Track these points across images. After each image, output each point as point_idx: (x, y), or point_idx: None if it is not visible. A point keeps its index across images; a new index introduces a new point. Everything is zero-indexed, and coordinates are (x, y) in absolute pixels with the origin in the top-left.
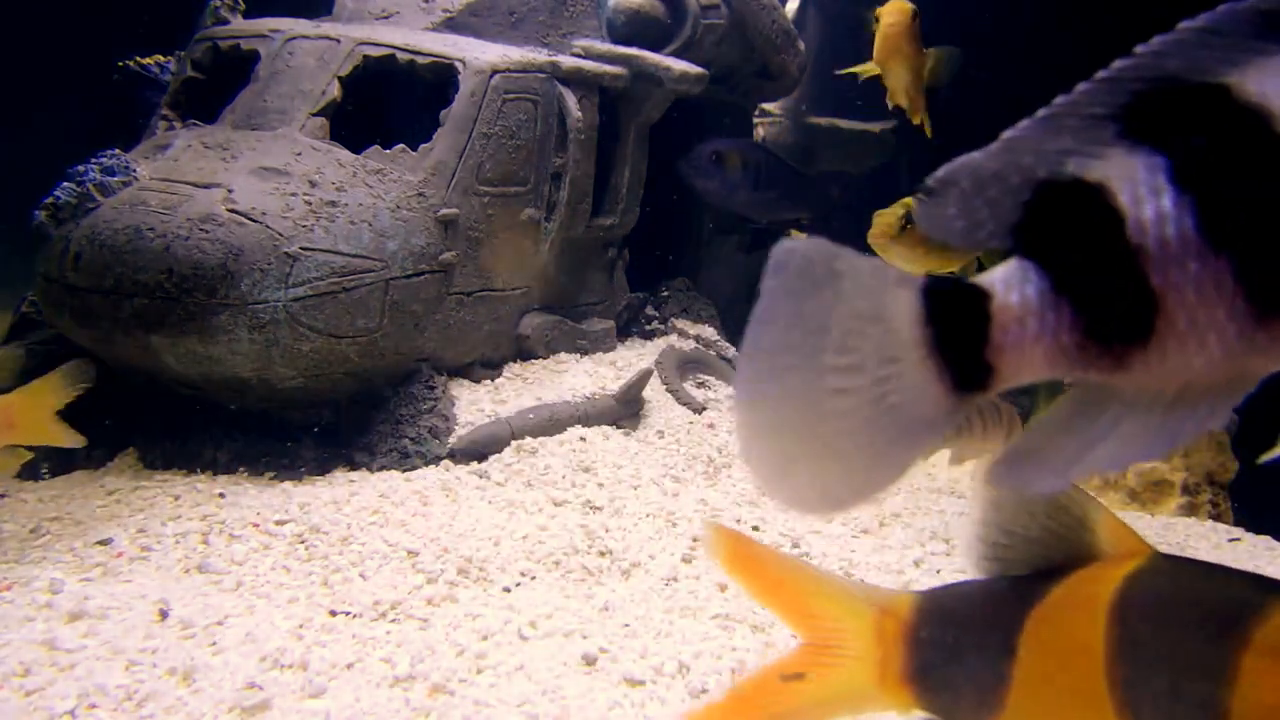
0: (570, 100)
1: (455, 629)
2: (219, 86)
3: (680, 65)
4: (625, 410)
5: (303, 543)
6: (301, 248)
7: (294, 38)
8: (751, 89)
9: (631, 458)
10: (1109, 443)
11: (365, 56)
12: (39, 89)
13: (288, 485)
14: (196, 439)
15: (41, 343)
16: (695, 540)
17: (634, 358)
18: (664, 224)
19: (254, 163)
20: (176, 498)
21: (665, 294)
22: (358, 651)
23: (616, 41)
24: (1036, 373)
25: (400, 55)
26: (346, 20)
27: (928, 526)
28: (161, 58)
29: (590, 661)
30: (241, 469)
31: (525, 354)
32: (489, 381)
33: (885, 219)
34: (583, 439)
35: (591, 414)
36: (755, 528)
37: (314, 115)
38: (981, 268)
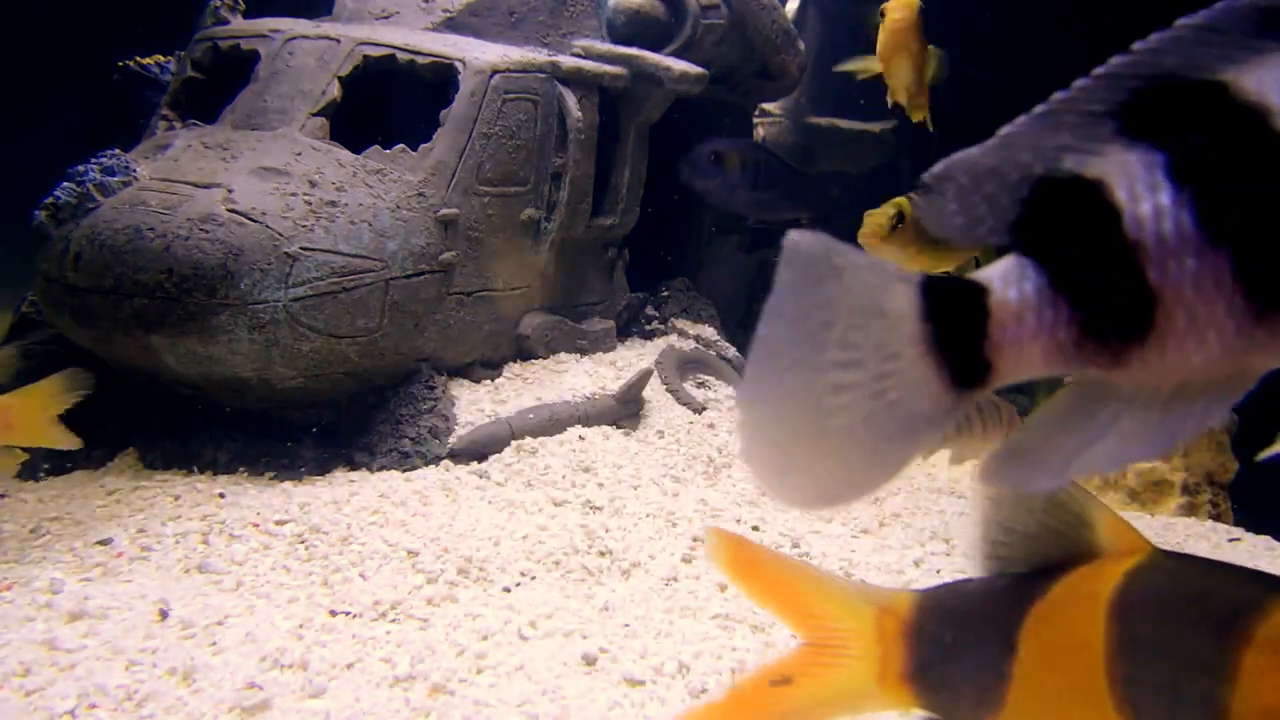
0: (570, 100)
1: (455, 629)
2: (219, 86)
3: (680, 65)
4: (625, 410)
5: (303, 543)
6: (301, 248)
7: (294, 38)
8: (751, 89)
9: (631, 458)
10: (1107, 441)
11: (365, 56)
12: (39, 89)
13: (288, 485)
14: (196, 439)
15: (41, 343)
16: (695, 540)
17: (634, 358)
18: (664, 224)
19: (254, 163)
20: (176, 498)
21: (665, 294)
22: (358, 651)
23: (616, 41)
24: (1035, 369)
25: (400, 55)
26: (346, 20)
27: (928, 526)
28: (161, 58)
29: (590, 661)
30: (241, 469)
31: (525, 354)
32: (489, 381)
33: (875, 219)
34: (583, 439)
35: (591, 414)
36: (755, 528)
37: (314, 115)
38: (979, 267)
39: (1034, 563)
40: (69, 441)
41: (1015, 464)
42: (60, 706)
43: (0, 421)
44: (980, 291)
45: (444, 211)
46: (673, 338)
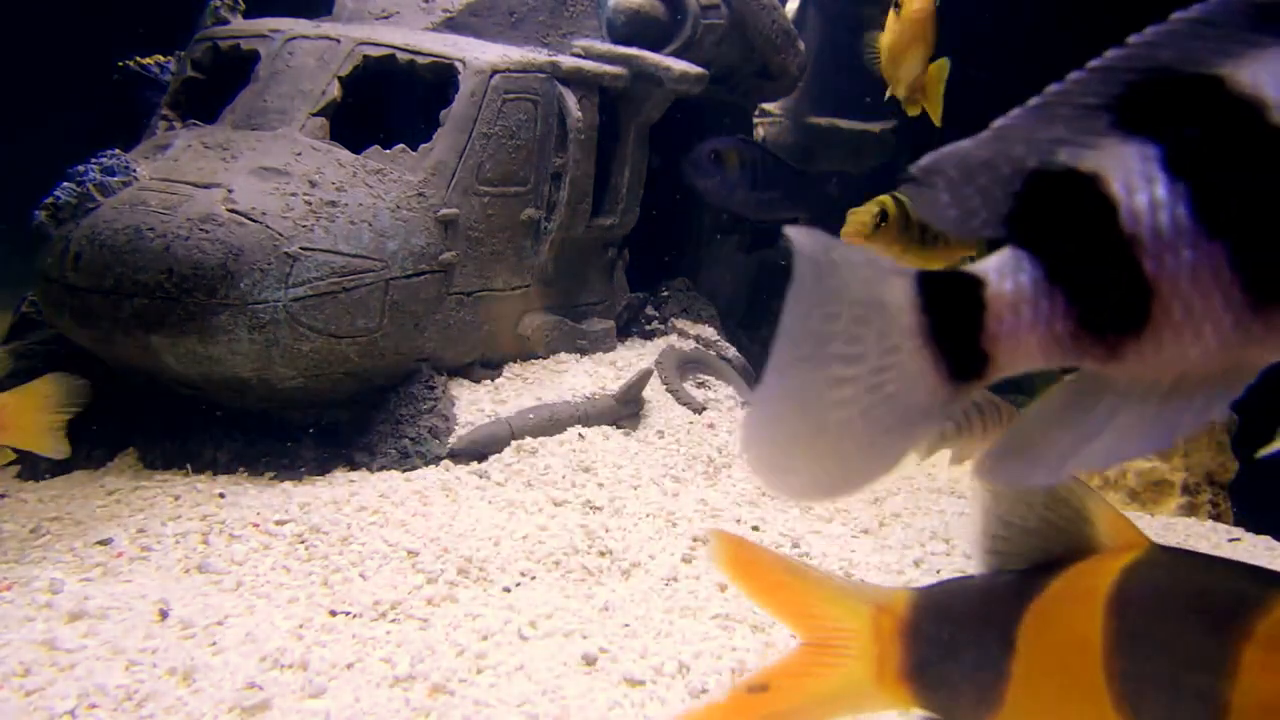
0: (570, 100)
1: (455, 629)
2: (219, 86)
3: (680, 65)
4: (625, 410)
5: (303, 543)
6: (301, 248)
7: (294, 38)
8: (751, 89)
9: (631, 458)
10: (1105, 436)
11: (365, 56)
12: (39, 89)
13: (288, 485)
14: (196, 439)
15: (41, 343)
16: (695, 540)
17: (634, 358)
18: (664, 224)
19: (254, 163)
20: (176, 498)
21: (665, 294)
22: (358, 651)
23: (616, 41)
24: (1031, 362)
25: (400, 55)
26: (346, 20)
27: (928, 526)
28: (161, 58)
29: (590, 661)
30: (241, 469)
31: (525, 354)
32: (489, 381)
33: (859, 217)
34: (583, 439)
35: (591, 414)
36: (755, 528)
37: (314, 115)
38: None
39: (1033, 557)
40: (58, 449)
41: (1012, 460)
42: (60, 706)
43: None
44: (976, 284)
45: (444, 211)
46: (673, 338)
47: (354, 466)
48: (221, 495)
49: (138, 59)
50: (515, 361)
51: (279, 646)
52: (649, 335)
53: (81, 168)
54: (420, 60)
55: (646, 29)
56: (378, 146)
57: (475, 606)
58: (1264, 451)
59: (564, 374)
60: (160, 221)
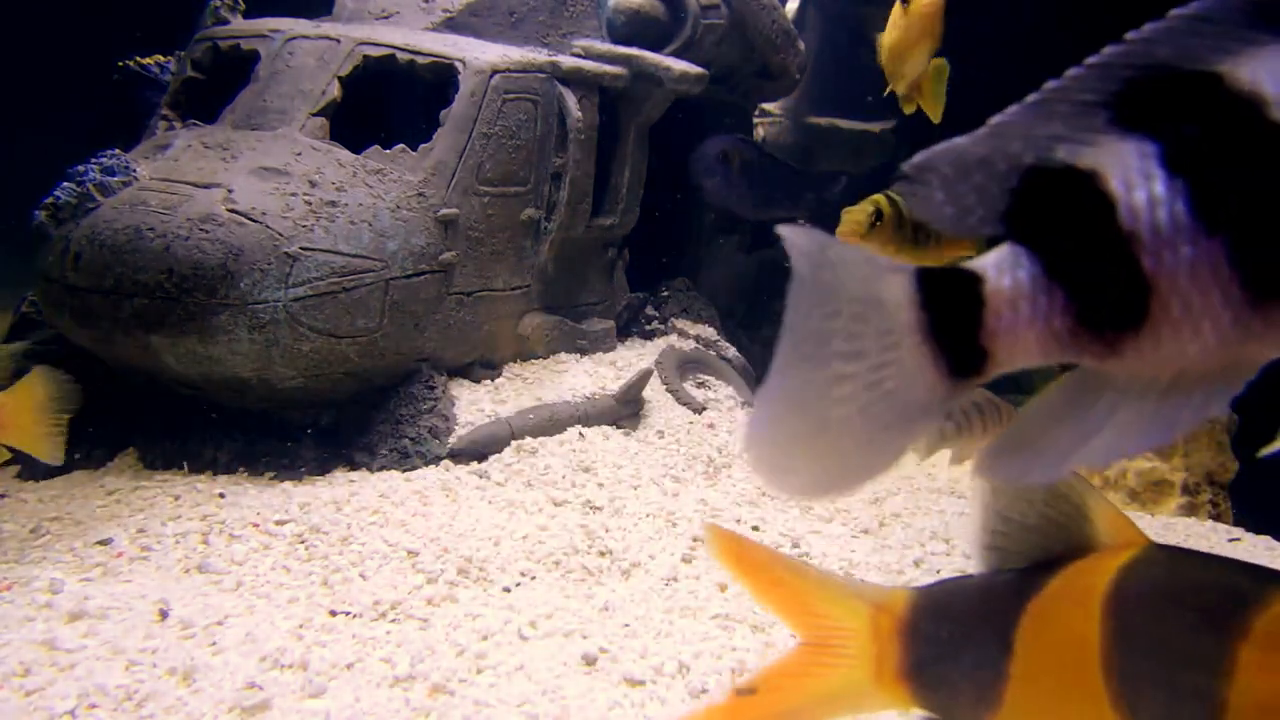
0: (570, 100)
1: (455, 629)
2: (219, 86)
3: (680, 65)
4: (625, 410)
5: (303, 543)
6: (301, 248)
7: (294, 38)
8: (751, 89)
9: (631, 458)
10: (1105, 433)
11: (365, 56)
12: (39, 89)
13: (288, 485)
14: (196, 439)
15: (41, 343)
16: (695, 540)
17: (634, 358)
18: (664, 224)
19: (254, 163)
20: (176, 498)
21: (665, 294)
22: (358, 651)
23: (616, 41)
24: (1030, 358)
25: (400, 55)
26: (346, 20)
27: (928, 526)
28: (161, 58)
29: (590, 661)
30: (241, 469)
31: (525, 354)
32: (489, 381)
33: (854, 216)
34: (583, 439)
35: (591, 414)
36: (755, 528)
37: (314, 115)
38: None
39: (1033, 555)
40: (55, 455)
41: (1011, 456)
42: (60, 706)
43: None
44: (975, 280)
45: (444, 211)
46: (673, 338)
47: (354, 466)
48: (221, 495)
49: (138, 59)
50: (515, 361)
51: (279, 646)
52: (649, 335)
53: (81, 168)
54: (420, 60)
55: (646, 29)
56: (378, 146)
57: (475, 606)
58: (1265, 451)
59: (564, 374)
60: (160, 221)
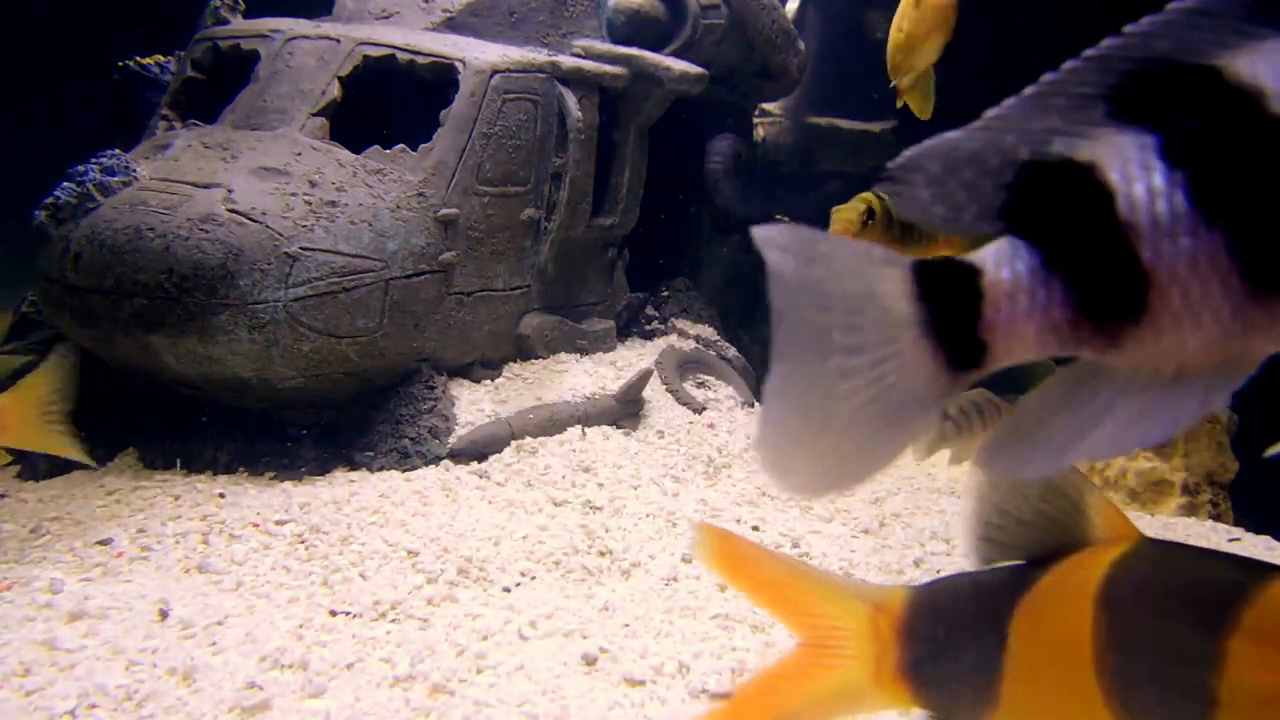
0: (570, 100)
1: (455, 629)
2: (219, 86)
3: (680, 65)
4: (625, 410)
5: (303, 543)
6: (301, 248)
7: (294, 38)
8: (751, 89)
9: (631, 458)
10: (1107, 426)
11: (365, 56)
12: (39, 89)
13: (288, 485)
14: (196, 439)
15: (41, 343)
16: None
17: (634, 358)
18: (664, 224)
19: (254, 163)
20: (176, 498)
21: (665, 294)
22: (358, 651)
23: (616, 41)
24: (1030, 350)
25: (400, 55)
26: (346, 20)
27: (928, 526)
28: (161, 58)
29: (590, 661)
30: (241, 469)
31: (525, 354)
32: (489, 381)
33: (845, 215)
34: (583, 439)
35: (591, 414)
36: (755, 528)
37: (314, 115)
38: None
39: (1028, 548)
40: (67, 448)
41: (1010, 450)
42: (60, 706)
43: None
44: (973, 272)
45: (444, 211)
46: (673, 338)
47: (354, 466)
48: (221, 495)
49: (138, 59)
50: (515, 361)
51: (279, 646)
52: (649, 335)
53: (81, 168)
54: (420, 60)
55: (646, 29)
56: (378, 146)
57: (475, 606)
58: (1271, 451)
59: (564, 374)
60: (160, 221)
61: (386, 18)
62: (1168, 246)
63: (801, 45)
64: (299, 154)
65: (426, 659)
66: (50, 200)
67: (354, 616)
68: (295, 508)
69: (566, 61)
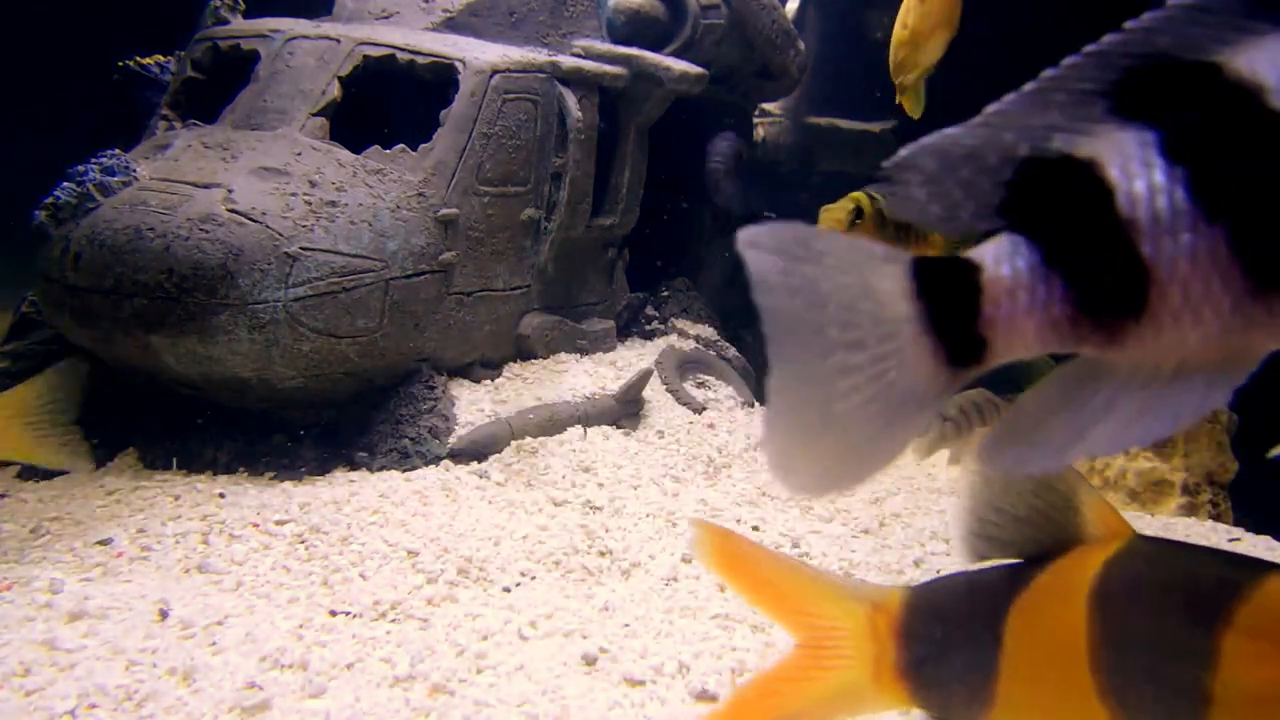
0: (570, 100)
1: (455, 629)
2: (219, 86)
3: (680, 65)
4: (625, 410)
5: (303, 543)
6: (301, 248)
7: (294, 38)
8: (751, 89)
9: (631, 458)
10: (1108, 423)
11: (365, 56)
12: (38, 89)
13: (288, 485)
14: (196, 439)
15: (41, 343)
16: None
17: (634, 358)
18: (664, 224)
19: (254, 163)
20: (176, 498)
21: (665, 294)
22: (358, 651)
23: (616, 41)
24: (1030, 346)
25: (400, 55)
26: (346, 20)
27: (928, 526)
28: (161, 58)
29: (590, 661)
30: (241, 469)
31: (525, 354)
32: (489, 381)
33: (833, 214)
34: (583, 439)
35: (591, 414)
36: (755, 528)
37: (314, 115)
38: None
39: (1022, 545)
40: (58, 459)
41: (1011, 446)
42: (60, 706)
43: None
44: (972, 269)
45: (444, 211)
46: (673, 338)
47: (354, 466)
48: (221, 495)
49: (138, 59)
50: (515, 361)
51: (279, 646)
52: (649, 335)
53: (81, 168)
54: (420, 60)
55: (646, 29)
56: (378, 146)
57: (475, 606)
58: (1275, 452)
59: (564, 374)
60: (160, 221)
61: (386, 18)
62: (1168, 243)
63: (801, 45)
64: (299, 154)
65: (426, 659)
66: (50, 200)
67: (354, 616)
68: (295, 508)
69: (566, 61)
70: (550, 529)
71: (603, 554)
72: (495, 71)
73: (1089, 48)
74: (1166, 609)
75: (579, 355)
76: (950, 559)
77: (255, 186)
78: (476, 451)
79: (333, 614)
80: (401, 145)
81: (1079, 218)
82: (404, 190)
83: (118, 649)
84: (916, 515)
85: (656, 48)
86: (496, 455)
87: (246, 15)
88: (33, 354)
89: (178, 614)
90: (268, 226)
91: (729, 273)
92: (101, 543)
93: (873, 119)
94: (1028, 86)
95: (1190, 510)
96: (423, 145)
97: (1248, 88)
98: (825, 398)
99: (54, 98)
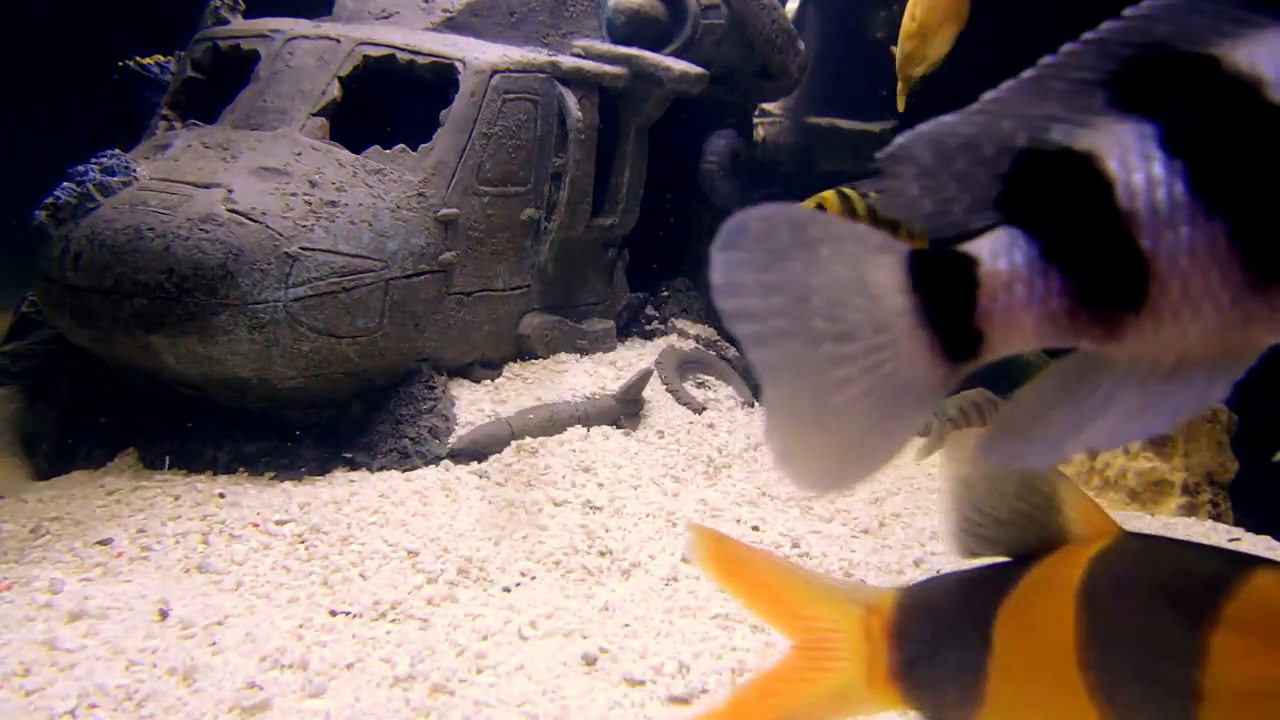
0: (570, 100)
1: (455, 629)
2: (219, 86)
3: (680, 65)
4: (625, 410)
5: (303, 543)
6: (301, 248)
7: (294, 38)
8: (751, 89)
9: (631, 458)
10: (1107, 417)
11: (365, 56)
12: (39, 89)
13: (288, 485)
14: (196, 439)
15: (41, 343)
16: None
17: (634, 358)
18: (664, 224)
19: (254, 163)
20: (176, 498)
21: (665, 294)
22: (358, 651)
23: (616, 41)
24: (1027, 341)
25: (400, 55)
26: (346, 20)
27: (928, 526)
28: (161, 58)
29: (590, 661)
30: (241, 469)
31: (525, 354)
32: (489, 381)
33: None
34: (583, 439)
35: (591, 414)
36: (755, 528)
37: (314, 115)
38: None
39: (1009, 545)
40: None
41: (1008, 440)
42: (60, 706)
43: None
44: (969, 262)
45: (444, 211)
46: (673, 338)
47: (354, 466)
48: (221, 495)
49: (138, 59)
50: (515, 361)
51: (279, 646)
52: (649, 335)
53: (81, 168)
54: (420, 60)
55: (646, 29)
56: (378, 146)
57: (475, 606)
58: None
59: (564, 374)
60: (160, 221)
61: (386, 18)
62: (1167, 236)
63: (801, 45)
64: (299, 154)
65: (426, 659)
66: (50, 200)
67: (354, 616)
68: (295, 508)
69: (566, 61)
70: (550, 529)
71: (603, 554)
72: (495, 71)
73: (1088, 35)
74: (1155, 605)
75: (579, 355)
76: (950, 559)
77: (255, 186)
78: (476, 451)
79: (333, 614)
80: (401, 145)
81: (1078, 211)
82: (404, 190)
83: (118, 649)
84: (916, 515)
85: (656, 48)
86: (496, 455)
87: (246, 15)
88: (33, 354)
89: (178, 614)
90: (268, 226)
91: None
92: (101, 543)
93: (873, 119)
94: (1026, 74)
95: (1190, 510)
96: (423, 145)
97: (1247, 81)
98: (821, 389)
99: (54, 98)
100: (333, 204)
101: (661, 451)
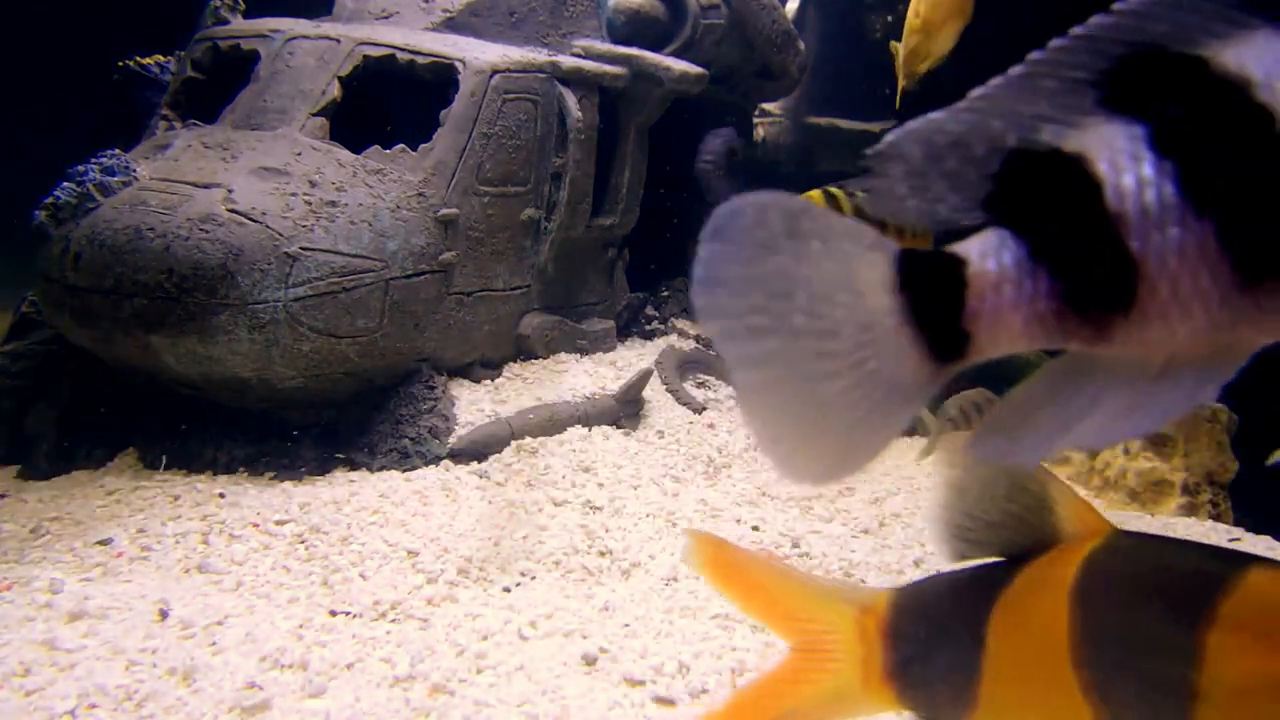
0: (570, 100)
1: (455, 629)
2: (219, 86)
3: (680, 65)
4: (625, 410)
5: (303, 543)
6: (301, 248)
7: (294, 38)
8: (751, 89)
9: (631, 458)
10: (1096, 416)
11: (365, 56)
12: (39, 89)
13: (288, 485)
14: (196, 439)
15: (41, 343)
16: None
17: (634, 358)
18: (664, 224)
19: (254, 163)
20: (176, 498)
21: (665, 294)
22: (358, 651)
23: (616, 41)
24: (1015, 342)
25: (400, 55)
26: (346, 20)
27: (928, 527)
28: (161, 58)
29: (590, 661)
30: (241, 469)
31: (525, 354)
32: (489, 381)
33: None
34: (583, 439)
35: (591, 414)
36: (755, 528)
37: (314, 115)
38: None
39: (1001, 547)
40: None
41: (998, 437)
42: (60, 706)
43: None
44: (957, 262)
45: (444, 211)
46: (673, 338)
47: (354, 466)
48: (221, 495)
49: (138, 59)
50: (515, 361)
51: (279, 646)
52: (649, 335)
53: (81, 168)
54: (420, 60)
55: (646, 29)
56: (378, 146)
57: (475, 606)
58: (1274, 458)
59: (564, 374)
60: (160, 221)
61: (386, 18)
62: (1156, 237)
63: (801, 45)
64: (299, 154)
65: (426, 659)
66: (50, 200)
67: (354, 616)
68: (295, 508)
69: (566, 61)
70: (550, 529)
71: (603, 554)
72: (495, 71)
73: (1078, 30)
74: (1149, 604)
75: (579, 355)
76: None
77: (255, 186)
78: (476, 451)
79: (333, 614)
80: (401, 145)
81: (1067, 212)
82: (404, 190)
83: (118, 649)
84: (916, 515)
85: (656, 48)
86: (496, 455)
87: (246, 15)
88: (33, 354)
89: (178, 614)
90: (268, 226)
91: None
92: (101, 543)
93: (873, 119)
94: (1015, 70)
95: (1190, 510)
96: (423, 145)
97: (1236, 82)
98: (804, 383)
99: (54, 98)
100: (333, 204)
101: (661, 451)
